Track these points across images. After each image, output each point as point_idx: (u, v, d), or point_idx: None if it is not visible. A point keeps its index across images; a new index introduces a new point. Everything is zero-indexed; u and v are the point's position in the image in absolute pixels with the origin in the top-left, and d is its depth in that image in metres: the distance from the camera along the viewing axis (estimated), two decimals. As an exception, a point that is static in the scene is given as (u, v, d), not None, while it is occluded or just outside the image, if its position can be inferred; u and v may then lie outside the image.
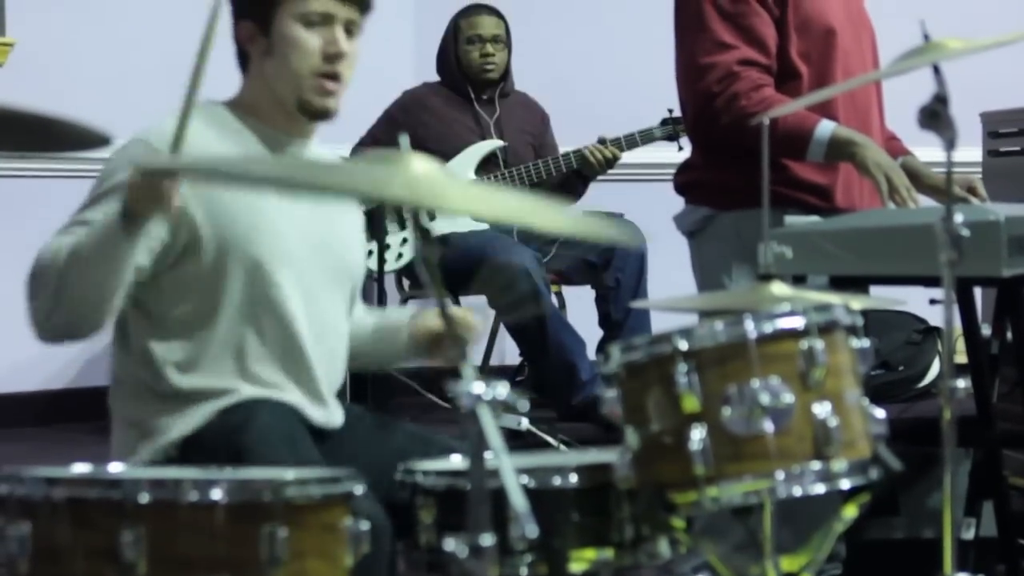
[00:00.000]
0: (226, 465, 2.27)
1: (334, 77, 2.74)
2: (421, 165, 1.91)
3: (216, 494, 2.01)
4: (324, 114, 2.78)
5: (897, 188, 3.40)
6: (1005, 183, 4.54)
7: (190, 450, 2.65)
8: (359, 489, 2.10)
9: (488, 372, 5.35)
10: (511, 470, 1.78)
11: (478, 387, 1.81)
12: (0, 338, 5.19)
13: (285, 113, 2.79)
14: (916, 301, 3.43)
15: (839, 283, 3.28)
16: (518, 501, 1.75)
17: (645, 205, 4.76)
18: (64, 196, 5.27)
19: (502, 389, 1.83)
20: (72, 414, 5.43)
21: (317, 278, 2.79)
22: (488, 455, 1.83)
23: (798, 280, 3.25)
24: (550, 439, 4.58)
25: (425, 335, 2.91)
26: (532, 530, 1.76)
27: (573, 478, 2.29)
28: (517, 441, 4.37)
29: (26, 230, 5.26)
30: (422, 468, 2.34)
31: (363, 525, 2.09)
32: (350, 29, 2.77)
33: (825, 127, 3.48)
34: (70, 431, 5.27)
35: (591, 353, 5.26)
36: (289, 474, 2.10)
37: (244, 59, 2.84)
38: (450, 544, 1.79)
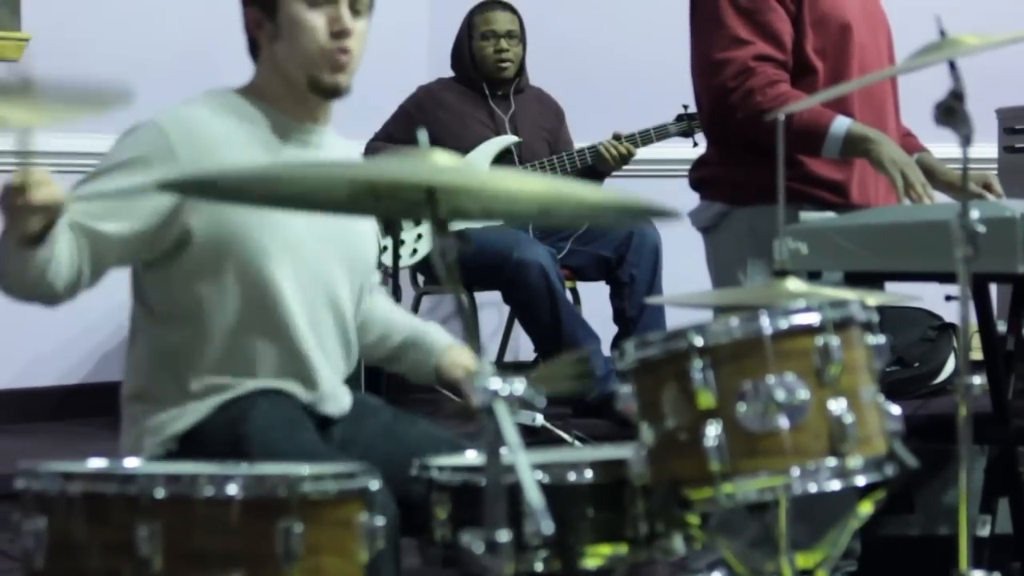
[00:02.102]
0: (226, 457, 2.28)
1: (343, 51, 2.76)
2: (445, 157, 1.92)
3: (232, 489, 2.01)
4: (336, 91, 2.79)
5: (912, 184, 3.40)
6: (1021, 179, 4.53)
7: (190, 444, 2.67)
8: (374, 484, 2.10)
9: (503, 368, 5.34)
10: (527, 466, 1.78)
11: (495, 383, 1.81)
12: (15, 334, 5.21)
13: (297, 97, 2.80)
14: (931, 298, 3.43)
15: (854, 279, 3.28)
16: (534, 497, 1.75)
17: (660, 201, 4.75)
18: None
19: (519, 385, 1.83)
20: (87, 409, 5.44)
21: (324, 267, 2.80)
22: (504, 451, 1.83)
23: (813, 276, 3.24)
24: (564, 435, 4.58)
25: (454, 377, 2.94)
26: (548, 526, 1.76)
27: (588, 474, 2.29)
28: (532, 437, 4.36)
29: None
30: (437, 464, 2.34)
31: (378, 521, 2.09)
32: (356, 8, 2.79)
33: (841, 123, 3.47)
34: (85, 426, 5.28)
35: (605, 349, 5.25)
36: (305, 469, 2.10)
37: (254, 46, 2.85)
38: (466, 540, 1.79)
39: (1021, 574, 3.48)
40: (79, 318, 5.40)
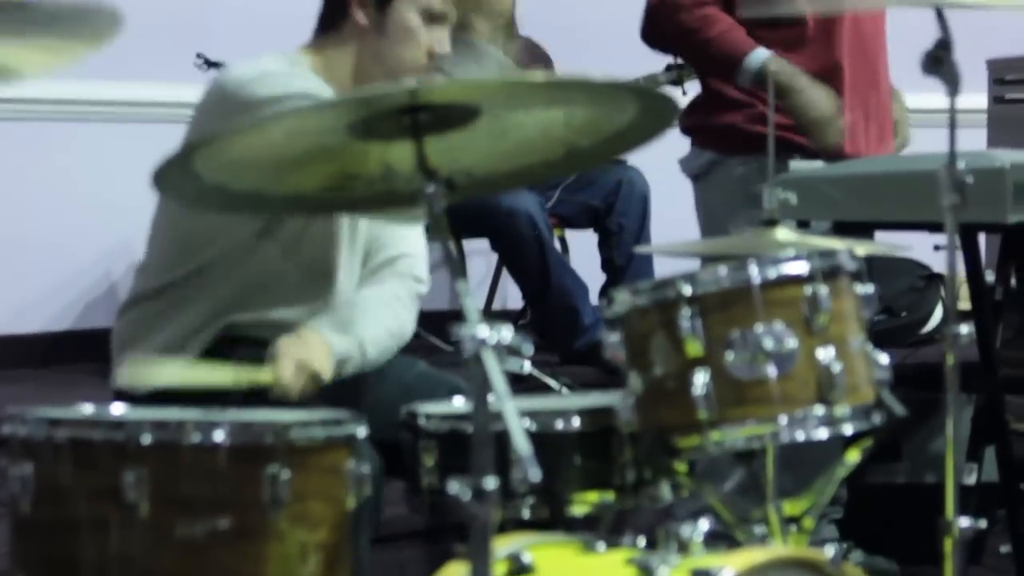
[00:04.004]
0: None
1: (427, 73, 2.75)
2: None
3: (219, 436, 2.01)
4: None
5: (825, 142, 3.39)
6: (1011, 130, 4.53)
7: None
8: (362, 432, 2.10)
9: (491, 316, 5.34)
10: (515, 414, 1.78)
11: (483, 331, 1.81)
12: (1, 280, 5.20)
13: (355, 86, 2.78)
14: (920, 248, 3.43)
15: (843, 229, 3.27)
16: (522, 445, 1.75)
17: (649, 149, 4.74)
18: (67, 139, 5.27)
19: (507, 333, 1.82)
20: (74, 356, 5.43)
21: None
22: (491, 398, 1.82)
23: (802, 226, 3.24)
24: (552, 383, 4.59)
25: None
26: (535, 474, 1.76)
27: (576, 422, 2.29)
28: (519, 385, 4.37)
29: (27, 173, 5.27)
30: (425, 411, 2.34)
31: (364, 468, 2.09)
32: None
33: (758, 55, 3.46)
34: (72, 373, 5.27)
35: (594, 298, 5.25)
36: (291, 416, 2.09)
37: (337, 15, 2.81)
38: (454, 487, 1.79)
39: (1007, 521, 3.49)
40: (66, 264, 5.38)
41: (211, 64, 5.00)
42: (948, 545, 2.29)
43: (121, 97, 5.17)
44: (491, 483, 1.80)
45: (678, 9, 3.50)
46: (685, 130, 3.70)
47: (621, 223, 5.31)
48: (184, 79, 4.82)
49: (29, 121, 5.40)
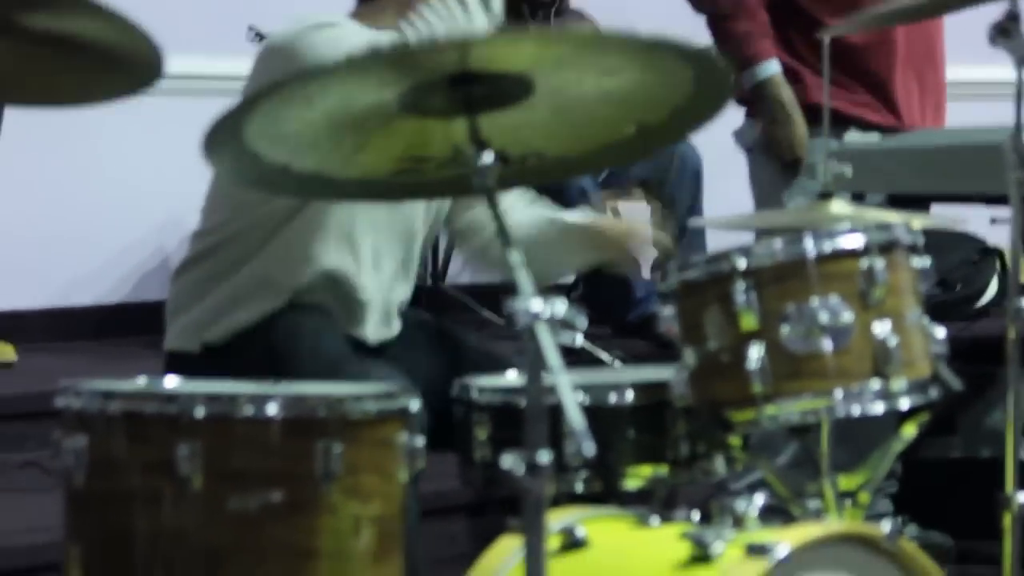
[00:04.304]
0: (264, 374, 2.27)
1: None
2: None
3: (272, 409, 2.00)
4: None
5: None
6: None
7: (231, 350, 2.68)
8: (415, 405, 2.09)
9: (543, 289, 5.32)
10: (569, 388, 1.76)
11: (536, 304, 1.79)
12: (54, 254, 5.22)
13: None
14: (974, 221, 3.39)
15: (898, 202, 3.24)
16: (576, 419, 1.74)
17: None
18: (120, 113, 5.28)
19: (560, 306, 1.81)
20: (127, 329, 5.45)
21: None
22: (545, 372, 1.81)
23: (857, 198, 3.21)
24: (605, 356, 4.57)
25: (601, 239, 2.85)
26: (589, 447, 1.74)
27: (629, 395, 2.28)
28: (571, 357, 4.34)
29: (80, 147, 5.29)
30: (478, 384, 2.33)
31: (418, 441, 2.08)
32: None
33: (767, 69, 3.47)
34: (124, 347, 5.29)
35: (646, 271, 5.23)
36: (344, 389, 2.09)
37: None
38: (507, 461, 1.77)
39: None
40: (120, 237, 5.40)
41: (262, 37, 5.00)
42: (1007, 520, 2.27)
43: (173, 70, 5.15)
44: (544, 457, 1.78)
45: None
46: (739, 100, 3.68)
47: (673, 196, 5.28)
48: (237, 51, 4.81)
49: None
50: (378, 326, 2.80)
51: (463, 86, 1.94)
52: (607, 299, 5.11)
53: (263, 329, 2.69)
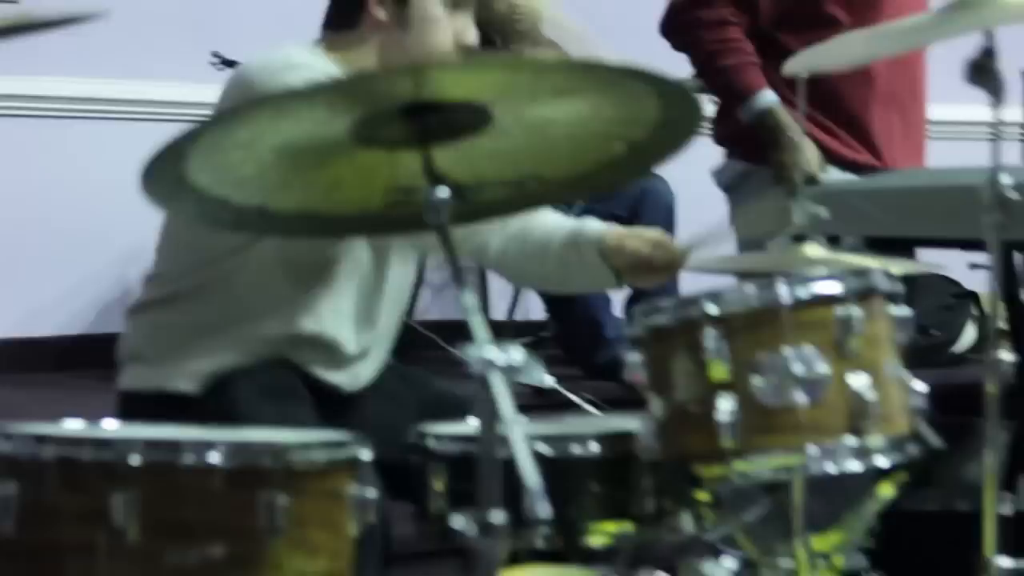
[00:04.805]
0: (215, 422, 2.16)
1: None
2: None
3: (214, 457, 1.90)
4: None
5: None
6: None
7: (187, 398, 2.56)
8: (365, 455, 1.98)
9: (513, 328, 5.24)
10: (523, 442, 1.66)
11: (490, 351, 1.69)
12: (15, 283, 5.12)
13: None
14: (952, 265, 3.33)
15: (878, 245, 3.16)
16: (530, 476, 1.64)
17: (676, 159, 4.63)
18: (81, 139, 5.18)
19: (516, 354, 1.70)
20: (87, 360, 5.35)
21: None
22: (500, 423, 1.71)
23: (832, 241, 3.13)
24: (575, 398, 4.48)
25: (625, 258, 2.71)
26: (544, 509, 1.63)
27: (594, 447, 2.17)
28: (541, 399, 4.26)
29: (41, 173, 5.18)
30: (435, 432, 2.22)
31: (369, 493, 1.97)
32: None
33: (765, 98, 3.44)
34: (85, 378, 5.19)
35: (617, 310, 5.14)
36: (291, 437, 1.98)
37: (352, 11, 2.67)
38: (459, 522, 1.67)
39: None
40: (80, 268, 5.31)
41: (227, 63, 4.91)
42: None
43: (135, 96, 5.07)
44: (499, 517, 1.68)
45: (700, 25, 3.48)
46: (719, 140, 3.62)
47: None
48: (201, 78, 4.72)
49: (43, 119, 5.32)
50: (353, 377, 2.69)
51: (418, 116, 1.86)
52: (577, 339, 5.03)
53: (223, 380, 2.59)
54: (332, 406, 2.66)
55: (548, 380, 4.05)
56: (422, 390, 2.74)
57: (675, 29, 3.54)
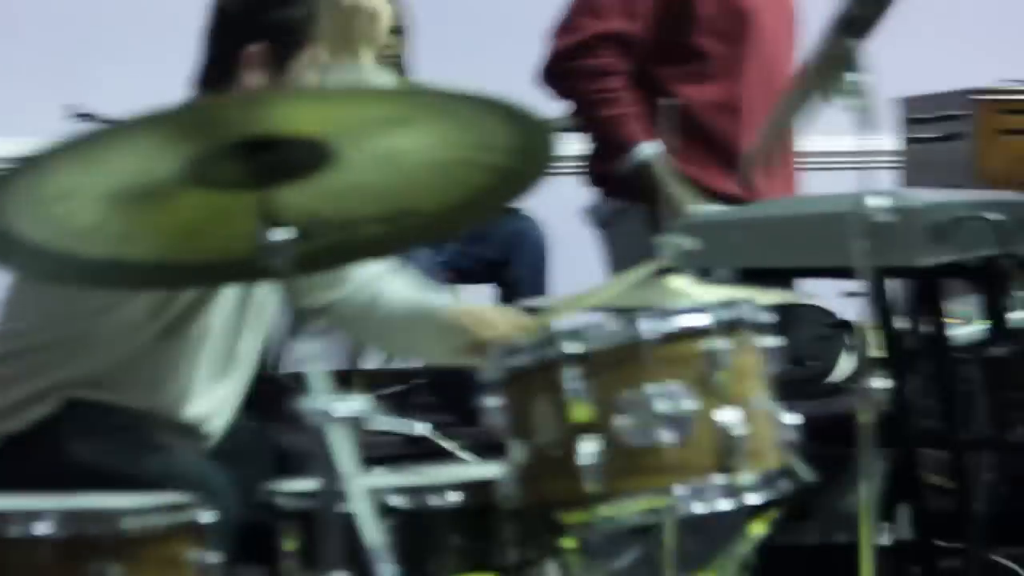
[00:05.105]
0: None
1: None
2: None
3: (41, 528, 1.77)
4: None
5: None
6: (925, 170, 4.39)
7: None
8: (206, 516, 1.86)
9: (388, 376, 5.14)
10: (363, 497, 1.55)
11: (327, 402, 1.58)
12: None
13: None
14: (828, 293, 3.29)
15: (751, 276, 3.10)
16: (370, 535, 1.52)
17: (544, 199, 4.57)
18: None
19: (356, 404, 1.59)
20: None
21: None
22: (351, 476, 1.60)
23: (704, 274, 3.06)
24: (448, 445, 4.37)
25: (476, 335, 2.57)
26: (388, 571, 1.52)
27: (452, 497, 2.06)
28: (413, 448, 4.15)
29: None
30: (284, 489, 2.10)
31: (211, 557, 1.85)
32: None
33: (644, 150, 3.44)
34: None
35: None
36: (125, 502, 1.85)
37: (223, 73, 2.54)
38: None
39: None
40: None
41: (84, 117, 4.76)
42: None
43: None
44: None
45: (579, 77, 3.47)
46: (594, 179, 3.59)
47: (518, 275, 5.11)
48: (57, 134, 4.58)
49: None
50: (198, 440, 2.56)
51: (252, 154, 1.75)
52: (451, 385, 4.92)
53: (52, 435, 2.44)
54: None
55: (418, 427, 3.92)
56: (275, 446, 2.61)
57: (556, 76, 3.52)
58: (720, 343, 2.07)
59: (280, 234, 1.75)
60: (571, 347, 2.03)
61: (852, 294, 3.33)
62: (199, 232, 1.92)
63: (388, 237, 2.00)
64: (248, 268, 1.91)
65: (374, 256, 2.31)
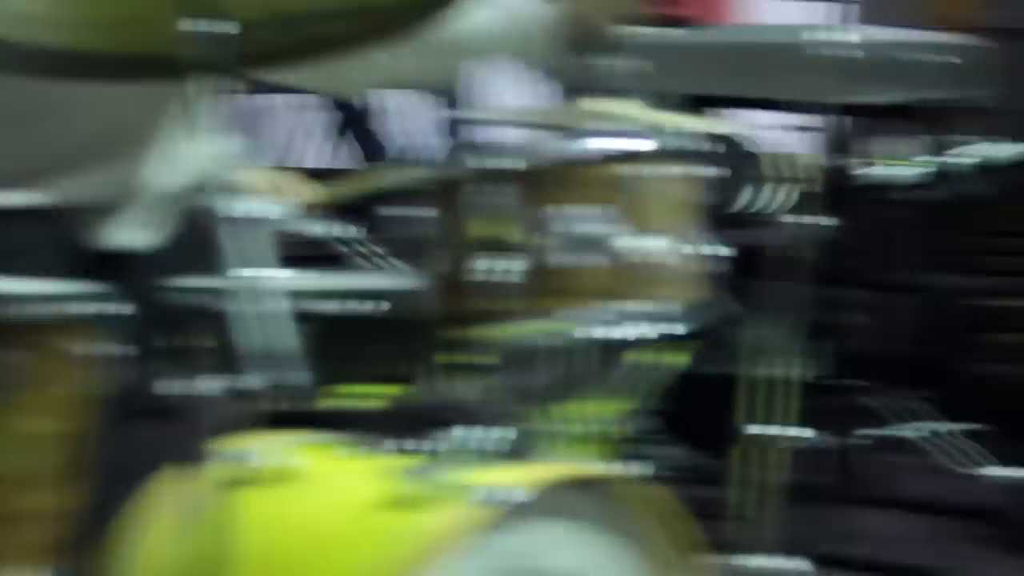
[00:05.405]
0: None
1: None
2: None
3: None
4: None
5: None
6: (883, 9, 4.35)
7: None
8: (111, 307, 1.80)
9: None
10: (274, 297, 1.50)
11: (246, 199, 1.52)
12: None
13: None
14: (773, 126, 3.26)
15: (698, 102, 3.06)
16: (280, 336, 1.49)
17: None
18: None
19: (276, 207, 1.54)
20: None
21: None
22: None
23: (652, 97, 3.02)
24: (365, 251, 4.32)
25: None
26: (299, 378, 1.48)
27: (359, 305, 2.02)
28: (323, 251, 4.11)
29: None
30: (191, 284, 2.01)
31: (114, 349, 1.80)
32: None
33: None
34: None
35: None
36: (28, 287, 1.79)
37: None
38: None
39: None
40: None
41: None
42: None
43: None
44: (251, 380, 1.53)
45: None
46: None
47: None
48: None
49: None
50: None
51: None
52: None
53: None
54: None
55: (338, 230, 3.85)
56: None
57: None
58: (650, 169, 2.02)
59: (217, 26, 1.67)
60: (502, 163, 1.98)
61: (804, 128, 3.31)
62: (132, 21, 1.85)
63: (348, 34, 1.93)
64: (181, 62, 1.84)
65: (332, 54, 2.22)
